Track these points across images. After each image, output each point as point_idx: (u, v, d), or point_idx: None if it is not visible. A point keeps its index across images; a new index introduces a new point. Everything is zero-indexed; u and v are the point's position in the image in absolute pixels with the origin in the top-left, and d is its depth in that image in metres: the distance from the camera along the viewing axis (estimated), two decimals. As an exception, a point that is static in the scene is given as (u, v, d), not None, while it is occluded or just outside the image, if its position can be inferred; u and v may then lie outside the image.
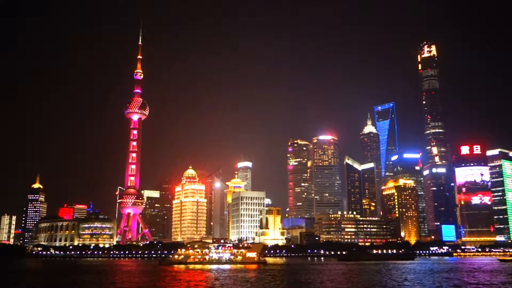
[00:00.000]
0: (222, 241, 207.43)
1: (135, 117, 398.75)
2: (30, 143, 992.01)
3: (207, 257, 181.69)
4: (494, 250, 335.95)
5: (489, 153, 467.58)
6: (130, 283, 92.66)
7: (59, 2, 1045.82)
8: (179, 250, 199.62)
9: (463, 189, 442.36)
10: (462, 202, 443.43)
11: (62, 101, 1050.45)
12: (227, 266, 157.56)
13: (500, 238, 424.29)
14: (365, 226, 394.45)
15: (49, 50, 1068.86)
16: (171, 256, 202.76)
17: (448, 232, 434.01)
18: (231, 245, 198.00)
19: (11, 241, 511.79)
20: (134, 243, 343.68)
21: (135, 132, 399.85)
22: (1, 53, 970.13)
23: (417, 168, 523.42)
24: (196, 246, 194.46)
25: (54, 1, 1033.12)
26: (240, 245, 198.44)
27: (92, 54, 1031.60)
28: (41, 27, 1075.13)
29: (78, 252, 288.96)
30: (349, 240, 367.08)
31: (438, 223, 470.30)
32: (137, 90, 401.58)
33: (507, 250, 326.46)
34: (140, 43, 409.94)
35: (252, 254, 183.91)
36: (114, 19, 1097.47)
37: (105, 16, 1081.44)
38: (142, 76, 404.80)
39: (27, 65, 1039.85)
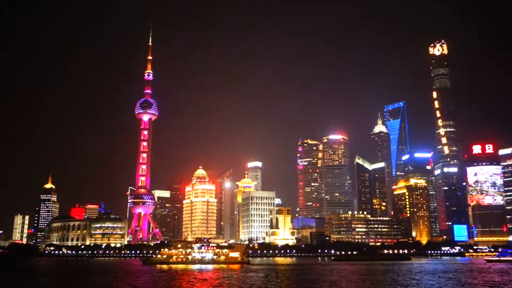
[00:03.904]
0: (204, 240, 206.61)
1: (145, 118, 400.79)
2: (42, 143, 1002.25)
3: (190, 257, 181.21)
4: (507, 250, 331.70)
5: (502, 152, 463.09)
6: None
7: (60, 2, 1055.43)
8: (162, 249, 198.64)
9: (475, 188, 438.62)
10: (474, 202, 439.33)
11: (72, 101, 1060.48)
12: (210, 266, 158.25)
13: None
14: (376, 226, 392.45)
15: (56, 50, 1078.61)
16: (154, 256, 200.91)
17: (460, 232, 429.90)
18: (214, 245, 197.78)
19: (24, 241, 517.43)
20: (145, 243, 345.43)
21: (145, 132, 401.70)
22: (2, 54, 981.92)
23: (428, 167, 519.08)
24: (179, 245, 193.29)
25: (55, 1, 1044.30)
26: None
27: (104, 53, 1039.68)
28: (42, 27, 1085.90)
29: (89, 252, 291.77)
30: (359, 240, 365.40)
31: (450, 223, 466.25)
32: (148, 91, 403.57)
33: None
34: (150, 43, 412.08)
35: (235, 254, 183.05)
36: (123, 19, 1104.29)
37: (113, 16, 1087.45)
38: (152, 77, 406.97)
39: (43, 64, 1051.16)
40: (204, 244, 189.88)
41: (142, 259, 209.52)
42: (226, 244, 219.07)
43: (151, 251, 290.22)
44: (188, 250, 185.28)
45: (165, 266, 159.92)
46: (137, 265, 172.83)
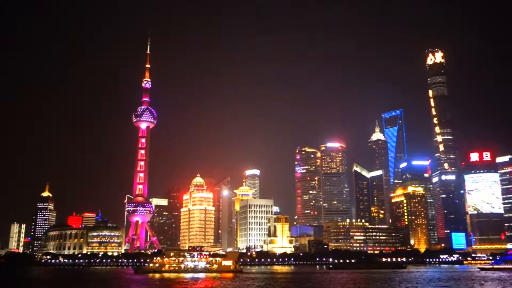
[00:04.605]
0: (197, 248, 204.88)
1: (143, 126, 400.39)
2: (40, 152, 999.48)
3: (182, 266, 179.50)
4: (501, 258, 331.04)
5: (499, 159, 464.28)
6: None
7: (60, 2, 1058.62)
8: (155, 258, 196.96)
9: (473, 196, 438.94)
10: (472, 210, 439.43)
11: (70, 107, 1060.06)
12: (202, 275, 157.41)
13: (511, 245, 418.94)
14: (374, 234, 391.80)
15: (56, 49, 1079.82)
16: (146, 265, 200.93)
17: (458, 240, 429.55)
18: (207, 253, 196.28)
19: (21, 250, 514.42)
20: (142, 251, 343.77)
21: (143, 140, 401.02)
22: (2, 54, 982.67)
23: (426, 175, 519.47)
24: (171, 254, 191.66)
25: (55, 1, 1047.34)
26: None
27: (104, 53, 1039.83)
28: (42, 27, 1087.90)
29: (86, 261, 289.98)
30: (358, 248, 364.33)
31: (448, 231, 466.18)
32: (146, 99, 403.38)
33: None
34: (148, 52, 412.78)
35: (228, 263, 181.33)
36: (123, 19, 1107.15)
37: (116, 16, 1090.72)
38: (150, 85, 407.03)
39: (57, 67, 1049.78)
40: (197, 253, 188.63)
41: (134, 268, 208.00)
42: (223, 253, 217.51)
43: (148, 260, 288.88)
44: (181, 259, 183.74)
45: (157, 275, 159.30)
46: (129, 274, 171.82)
